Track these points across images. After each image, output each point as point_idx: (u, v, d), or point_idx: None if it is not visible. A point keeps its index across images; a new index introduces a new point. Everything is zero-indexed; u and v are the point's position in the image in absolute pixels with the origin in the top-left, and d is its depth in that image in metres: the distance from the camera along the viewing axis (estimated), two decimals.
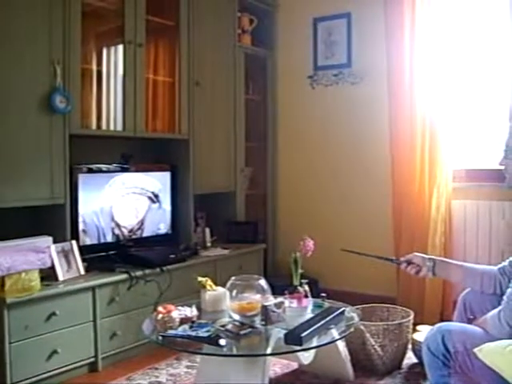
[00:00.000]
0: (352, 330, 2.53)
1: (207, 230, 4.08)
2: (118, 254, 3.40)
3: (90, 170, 3.33)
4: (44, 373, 2.79)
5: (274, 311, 2.42)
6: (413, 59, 3.86)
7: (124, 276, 3.18)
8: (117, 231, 3.49)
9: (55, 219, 3.14)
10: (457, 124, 3.89)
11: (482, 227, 3.73)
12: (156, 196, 3.74)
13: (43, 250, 2.87)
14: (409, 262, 2.44)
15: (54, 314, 2.81)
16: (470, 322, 2.18)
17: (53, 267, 2.95)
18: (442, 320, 3.45)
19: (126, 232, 3.55)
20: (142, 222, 3.65)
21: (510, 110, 3.64)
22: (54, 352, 2.81)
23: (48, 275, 2.93)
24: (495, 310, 1.96)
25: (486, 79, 3.86)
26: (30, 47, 2.91)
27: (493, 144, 3.85)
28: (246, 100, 4.44)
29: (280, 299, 2.53)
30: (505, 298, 1.93)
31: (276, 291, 2.63)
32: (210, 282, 2.71)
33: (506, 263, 2.27)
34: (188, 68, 3.83)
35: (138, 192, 3.63)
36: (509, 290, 1.92)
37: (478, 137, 3.96)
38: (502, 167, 2.13)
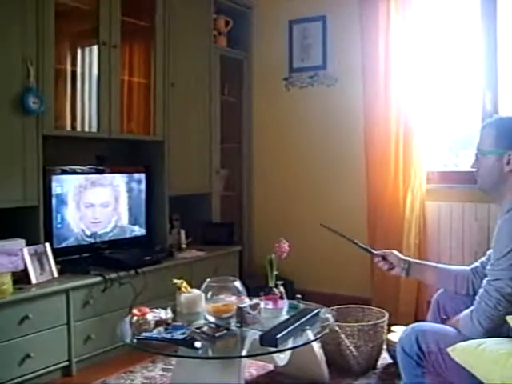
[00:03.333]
0: (327, 331, 2.54)
1: (182, 232, 4.07)
2: (92, 257, 3.37)
3: (64, 172, 3.29)
4: (16, 378, 2.74)
5: (249, 313, 2.42)
6: (387, 61, 3.90)
7: (98, 278, 3.15)
8: (91, 233, 3.46)
9: (28, 221, 3.09)
10: (431, 126, 3.94)
11: (455, 228, 3.78)
12: (131, 198, 3.72)
13: (15, 253, 2.83)
14: (384, 258, 2.45)
15: (26, 317, 2.77)
16: (443, 322, 2.20)
17: (25, 270, 2.91)
18: (416, 320, 3.49)
19: (100, 234, 3.52)
20: (116, 224, 3.63)
21: (482, 114, 3.69)
22: (27, 356, 2.77)
23: (21, 278, 2.89)
24: (467, 310, 1.99)
25: (459, 81, 3.91)
26: (1, 46, 2.87)
27: (466, 146, 3.92)
28: (222, 101, 4.43)
29: (255, 301, 2.53)
30: (477, 298, 1.95)
31: (251, 293, 2.62)
32: (185, 284, 2.70)
33: (478, 264, 2.30)
34: (163, 69, 3.81)
35: (112, 194, 3.60)
36: (481, 291, 1.95)
37: (452, 139, 4.01)
38: (474, 169, 2.16)
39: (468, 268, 2.34)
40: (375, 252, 2.49)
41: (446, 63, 3.92)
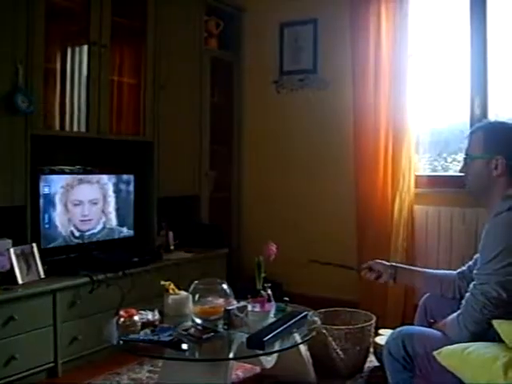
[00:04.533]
0: (314, 333, 2.54)
1: (171, 234, 4.05)
2: (79, 257, 3.35)
3: (53, 172, 3.27)
4: (1, 379, 2.71)
5: (236, 315, 2.42)
6: (378, 64, 3.91)
7: (85, 279, 3.13)
8: (79, 234, 3.44)
9: (15, 221, 3.07)
10: (420, 130, 3.96)
11: (443, 232, 3.79)
12: (119, 199, 3.70)
13: (2, 253, 2.81)
14: (369, 268, 2.48)
15: (12, 318, 2.75)
16: (430, 325, 2.20)
17: (12, 270, 2.89)
18: (403, 324, 3.46)
19: (88, 235, 3.50)
20: (104, 225, 3.61)
21: (470, 118, 3.71)
22: (12, 358, 2.75)
23: (7, 278, 2.87)
24: (454, 314, 1.99)
25: (448, 85, 3.92)
26: None
27: (454, 151, 3.94)
28: (212, 103, 4.43)
29: (243, 303, 2.53)
30: (463, 302, 1.96)
31: (239, 295, 2.62)
32: (172, 285, 2.69)
33: (465, 268, 2.31)
34: (153, 70, 3.80)
35: (101, 194, 3.58)
36: (467, 295, 1.95)
37: (441, 143, 4.03)
38: (463, 174, 2.18)
39: (455, 272, 2.35)
40: (360, 267, 2.53)
41: (435, 67, 3.93)
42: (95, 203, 3.54)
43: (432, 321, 2.24)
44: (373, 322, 3.07)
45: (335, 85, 4.23)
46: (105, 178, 3.60)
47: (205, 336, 2.29)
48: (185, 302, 2.61)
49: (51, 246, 3.26)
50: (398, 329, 2.09)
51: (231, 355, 2.26)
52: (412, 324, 2.36)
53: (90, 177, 3.50)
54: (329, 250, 3.82)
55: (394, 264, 2.46)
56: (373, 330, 3.08)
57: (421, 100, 3.92)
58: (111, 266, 3.30)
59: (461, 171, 2.19)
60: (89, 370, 3.06)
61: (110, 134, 3.56)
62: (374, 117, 3.93)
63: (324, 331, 2.90)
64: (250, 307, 2.54)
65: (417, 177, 3.91)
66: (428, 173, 4.03)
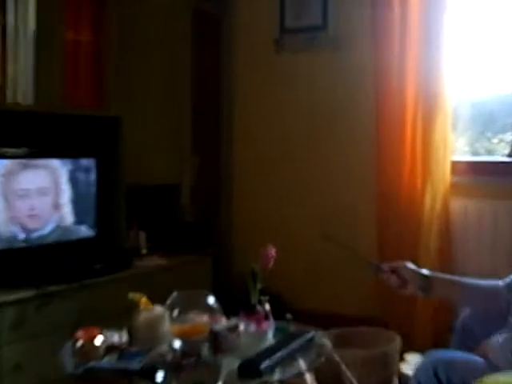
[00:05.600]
0: (323, 359, 2.54)
1: (143, 234, 4.06)
2: (24, 264, 3.34)
3: None
4: None
5: (225, 336, 2.42)
6: (405, 19, 3.91)
7: (32, 292, 3.12)
8: (25, 235, 3.43)
9: None
10: (459, 103, 3.95)
11: (486, 231, 3.81)
12: (77, 190, 3.69)
13: None
14: (393, 271, 2.42)
15: None
16: (470, 349, 2.20)
17: None
18: (435, 347, 3.48)
19: (36, 236, 3.49)
20: (57, 223, 3.60)
21: None
22: None
23: None
24: (501, 335, 1.99)
25: (496, 47, 3.91)
26: None
27: (501, 129, 3.93)
28: (194, 68, 4.42)
29: (234, 321, 2.53)
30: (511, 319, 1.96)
31: (229, 311, 2.62)
32: (144, 299, 2.68)
33: None
34: (119, 26, 3.79)
35: (52, 183, 3.57)
36: None
37: (484, 120, 4.03)
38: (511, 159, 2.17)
39: (502, 282, 2.34)
40: (383, 266, 2.44)
41: (478, 23, 3.92)
42: (45, 194, 3.52)
43: (473, 344, 2.24)
44: (397, 344, 3.08)
45: (350, 45, 4.23)
46: (57, 162, 3.59)
47: (185, 362, 2.29)
48: (160, 320, 2.61)
49: None
50: (430, 353, 2.09)
51: None
52: (447, 347, 2.37)
53: (37, 161, 3.49)
54: (341, 254, 3.82)
55: (427, 274, 2.42)
56: (397, 354, 3.08)
57: (459, 64, 3.91)
58: (66, 274, 3.30)
59: (510, 155, 2.18)
60: None
61: (64, 108, 3.55)
62: (400, 85, 3.93)
63: (335, 356, 2.91)
64: (242, 326, 2.54)
65: (453, 162, 3.91)
66: (468, 157, 4.02)
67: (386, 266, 2.43)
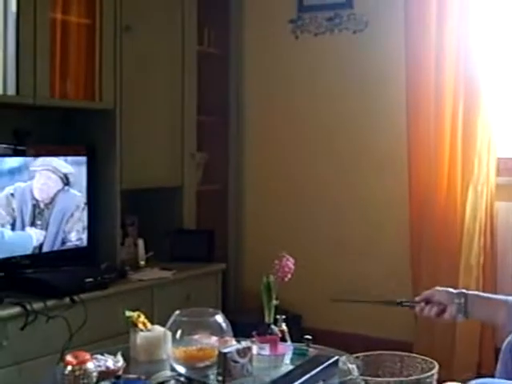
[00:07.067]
0: None
1: (141, 242, 4.06)
2: (6, 278, 3.36)
3: None
4: None
5: (236, 361, 2.41)
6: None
7: (16, 310, 3.13)
8: (5, 245, 3.44)
9: None
10: (506, 92, 3.94)
11: None
12: (65, 192, 3.70)
13: None
14: (427, 302, 2.42)
15: None
16: None
17: None
18: (479, 375, 3.49)
19: (19, 245, 3.50)
20: (43, 230, 3.61)
21: None
22: None
23: None
24: None
25: None
26: None
27: None
28: (200, 54, 4.43)
29: (245, 344, 2.52)
30: None
31: (240, 332, 2.61)
32: (143, 318, 2.69)
33: None
34: (114, 5, 3.80)
35: (37, 186, 3.58)
36: None
37: None
38: None
39: None
40: (413, 301, 2.46)
41: None
42: (29, 198, 3.54)
43: None
44: (435, 371, 3.07)
45: (379, 25, 4.23)
46: (43, 161, 3.60)
47: None
48: (161, 342, 2.61)
49: None
50: (473, 382, 2.07)
51: None
52: (492, 376, 2.36)
53: (19, 159, 3.50)
54: (368, 269, 3.82)
55: (463, 291, 2.42)
56: (435, 383, 3.06)
57: (506, 47, 3.90)
58: (53, 289, 3.30)
59: None
60: None
61: (51, 99, 3.56)
62: (437, 71, 3.93)
63: None
64: (255, 349, 2.54)
65: (499, 160, 3.90)
66: None
67: (417, 300, 2.45)
